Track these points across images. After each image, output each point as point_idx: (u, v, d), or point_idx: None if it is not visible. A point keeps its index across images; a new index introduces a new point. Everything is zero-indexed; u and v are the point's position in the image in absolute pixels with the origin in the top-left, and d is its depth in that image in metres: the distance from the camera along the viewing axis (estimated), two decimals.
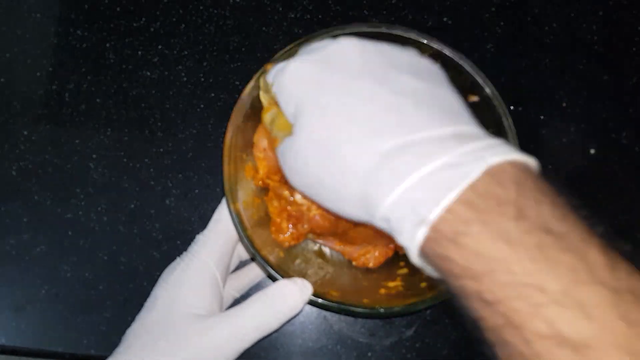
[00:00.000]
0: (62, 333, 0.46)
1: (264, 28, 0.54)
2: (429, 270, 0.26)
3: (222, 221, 0.38)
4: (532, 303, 0.21)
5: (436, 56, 0.40)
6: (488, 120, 0.40)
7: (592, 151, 0.53)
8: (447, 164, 0.23)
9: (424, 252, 0.24)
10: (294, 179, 0.30)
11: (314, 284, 0.36)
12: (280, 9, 0.55)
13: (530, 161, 0.25)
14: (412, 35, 0.39)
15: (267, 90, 0.34)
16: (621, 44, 0.55)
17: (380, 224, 0.26)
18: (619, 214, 0.51)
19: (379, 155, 0.25)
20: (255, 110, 0.40)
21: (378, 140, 0.26)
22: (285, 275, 0.36)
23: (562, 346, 0.21)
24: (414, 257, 0.25)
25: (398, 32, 0.40)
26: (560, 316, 0.21)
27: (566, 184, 0.52)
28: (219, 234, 0.38)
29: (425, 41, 0.40)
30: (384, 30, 0.40)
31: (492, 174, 0.23)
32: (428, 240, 0.23)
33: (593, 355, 0.20)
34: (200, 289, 0.36)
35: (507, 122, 0.38)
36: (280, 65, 0.31)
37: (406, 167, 0.24)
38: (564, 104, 0.54)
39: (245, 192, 0.40)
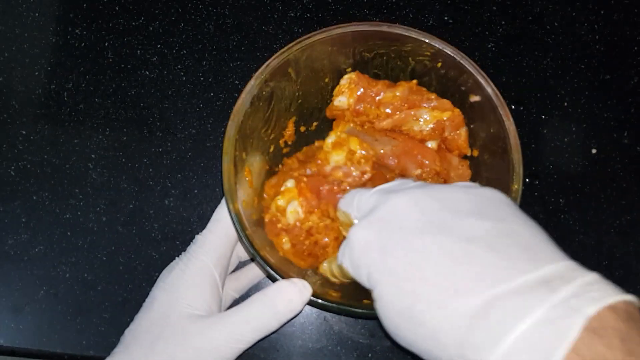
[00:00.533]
0: (61, 334, 0.46)
1: (263, 27, 0.54)
2: None
3: (221, 221, 0.38)
4: None
5: (437, 55, 0.40)
6: (489, 120, 0.40)
7: (594, 151, 0.52)
8: (542, 320, 0.22)
9: None
10: (392, 330, 0.28)
11: (313, 284, 0.36)
12: (280, 7, 0.55)
13: (630, 299, 0.23)
14: (413, 34, 0.39)
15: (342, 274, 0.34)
16: (622, 44, 0.55)
17: None
18: (621, 214, 0.51)
19: (467, 317, 0.24)
20: (255, 109, 0.40)
21: (461, 300, 0.24)
22: (285, 275, 0.36)
23: None
24: None
25: (399, 31, 0.40)
26: None
27: (568, 184, 0.52)
28: (218, 235, 0.38)
29: (426, 40, 0.39)
30: (384, 29, 0.40)
31: (593, 329, 0.21)
32: None
33: None
34: (198, 289, 0.36)
35: (509, 122, 0.38)
36: (345, 245, 0.31)
37: (499, 327, 0.22)
38: (565, 104, 0.53)
39: (245, 192, 0.40)
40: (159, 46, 0.53)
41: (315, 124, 0.46)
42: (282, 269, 0.36)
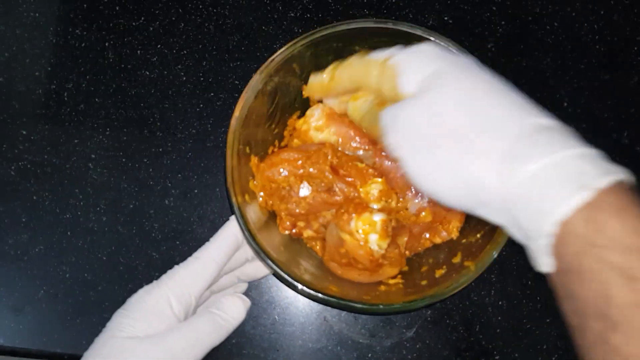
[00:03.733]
0: (61, 334, 0.46)
1: (263, 27, 0.54)
2: (545, 260, 0.26)
3: (199, 259, 0.40)
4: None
5: None
6: None
7: None
8: (586, 154, 0.26)
9: (571, 221, 0.24)
10: (408, 139, 0.30)
11: (314, 278, 0.36)
12: (280, 8, 0.55)
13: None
14: (419, 31, 0.39)
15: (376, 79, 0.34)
16: (622, 44, 0.55)
17: (513, 190, 0.26)
18: None
19: (533, 126, 0.27)
20: (259, 104, 0.40)
21: (531, 115, 0.28)
22: (287, 271, 0.36)
23: None
24: (555, 223, 0.25)
25: (404, 28, 0.40)
26: None
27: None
28: (190, 270, 0.39)
29: (431, 38, 0.39)
30: (390, 25, 0.40)
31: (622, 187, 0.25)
32: (584, 209, 0.24)
33: None
34: (152, 315, 0.38)
35: None
36: (397, 50, 0.33)
37: (562, 141, 0.26)
38: (565, 104, 0.53)
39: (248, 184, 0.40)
40: (159, 46, 0.53)
41: None
42: (285, 264, 0.37)
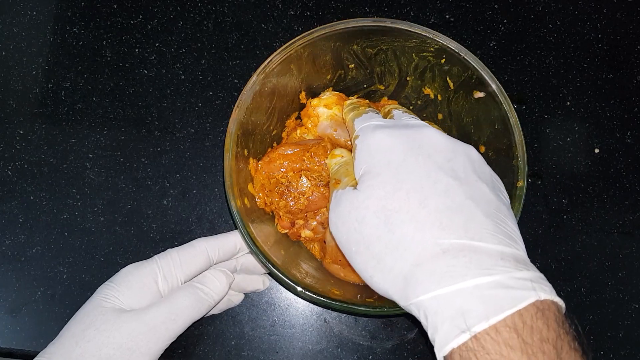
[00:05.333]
0: None
1: (263, 25, 0.54)
2: None
3: (194, 246, 0.41)
4: None
5: (441, 51, 0.40)
6: (493, 116, 0.39)
7: (597, 150, 0.52)
8: (502, 283, 0.25)
9: (450, 355, 0.25)
10: (339, 228, 0.32)
11: (316, 281, 0.36)
12: (280, 5, 0.54)
13: (563, 304, 0.27)
14: (417, 29, 0.39)
15: (348, 126, 0.37)
16: (626, 42, 0.54)
17: (412, 308, 0.27)
18: (624, 214, 0.50)
19: (439, 247, 0.27)
20: (257, 105, 0.39)
21: (443, 233, 0.27)
22: (285, 272, 0.35)
23: None
24: (439, 355, 0.26)
25: (403, 26, 0.39)
26: None
27: (570, 184, 0.51)
28: (184, 255, 0.40)
29: (430, 36, 0.39)
30: (388, 24, 0.39)
31: (539, 308, 0.25)
32: (462, 348, 0.25)
33: None
34: (137, 289, 0.38)
35: (513, 119, 0.38)
36: (371, 123, 0.34)
37: (463, 269, 0.26)
38: (568, 103, 0.53)
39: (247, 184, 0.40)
40: (157, 45, 0.53)
41: None
42: (282, 266, 0.36)
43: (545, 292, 0.25)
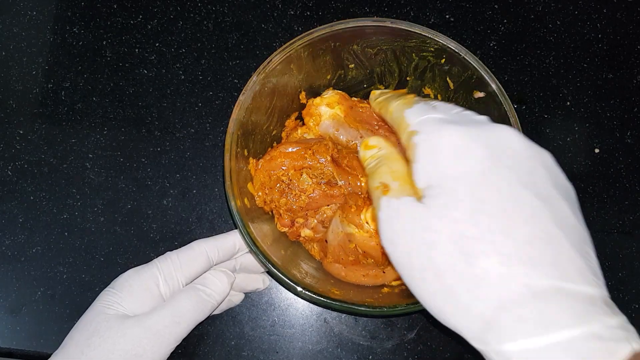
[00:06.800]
0: (59, 335, 0.46)
1: (263, 25, 0.54)
2: None
3: (193, 249, 0.40)
4: None
5: (441, 51, 0.40)
6: (493, 116, 0.39)
7: (597, 150, 0.52)
8: (596, 334, 0.22)
9: None
10: (397, 247, 0.26)
11: (316, 281, 0.36)
12: (280, 5, 0.54)
13: None
14: (417, 29, 0.39)
15: (397, 122, 0.30)
16: (626, 42, 0.54)
17: (491, 355, 0.24)
18: (624, 214, 0.50)
19: (528, 288, 0.23)
20: (256, 105, 0.39)
21: (532, 273, 0.23)
22: (285, 272, 0.36)
23: None
24: None
25: (403, 26, 0.39)
26: None
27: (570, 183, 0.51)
28: (182, 255, 0.40)
29: (430, 36, 0.39)
30: (388, 24, 0.39)
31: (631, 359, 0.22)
32: None
33: None
34: (139, 294, 0.38)
35: (513, 119, 0.38)
36: (434, 116, 0.28)
37: (556, 317, 0.22)
38: (568, 103, 0.53)
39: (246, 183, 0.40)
40: (157, 45, 0.53)
41: None
42: (283, 266, 0.36)
43: (637, 342, 0.22)
